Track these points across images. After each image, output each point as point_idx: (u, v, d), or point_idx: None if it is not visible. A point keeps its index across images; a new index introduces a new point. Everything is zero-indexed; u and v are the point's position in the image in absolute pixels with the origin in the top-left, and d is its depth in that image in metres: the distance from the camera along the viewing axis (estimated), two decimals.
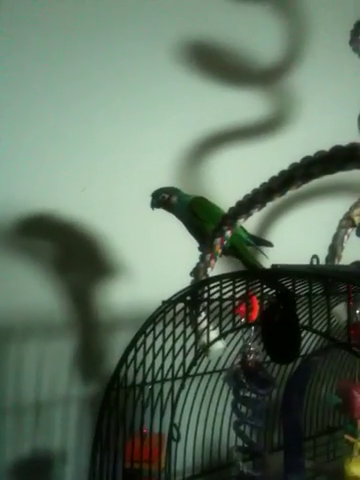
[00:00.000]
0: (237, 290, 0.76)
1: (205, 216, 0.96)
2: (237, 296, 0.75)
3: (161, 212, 1.04)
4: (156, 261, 1.17)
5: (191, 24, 1.28)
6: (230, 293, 0.78)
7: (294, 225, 1.29)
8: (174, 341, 0.81)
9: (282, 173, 0.64)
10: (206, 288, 0.76)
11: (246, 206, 0.71)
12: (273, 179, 0.66)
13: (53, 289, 1.12)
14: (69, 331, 1.12)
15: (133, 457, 0.84)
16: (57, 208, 1.12)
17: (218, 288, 0.76)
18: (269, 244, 0.99)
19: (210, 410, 1.02)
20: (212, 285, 0.75)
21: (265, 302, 0.67)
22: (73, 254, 1.15)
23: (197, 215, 0.97)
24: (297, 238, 1.23)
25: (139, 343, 0.83)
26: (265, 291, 0.69)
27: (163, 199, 1.01)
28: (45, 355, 1.08)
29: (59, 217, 1.12)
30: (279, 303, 0.60)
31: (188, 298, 0.79)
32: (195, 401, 0.97)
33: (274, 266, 0.70)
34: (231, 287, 0.74)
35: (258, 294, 0.70)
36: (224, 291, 0.79)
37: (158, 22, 1.25)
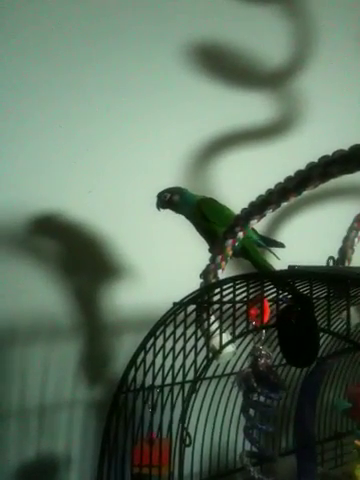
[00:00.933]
0: (250, 292, 0.75)
1: (213, 217, 0.95)
2: (250, 298, 0.74)
3: (168, 214, 1.03)
4: (163, 263, 1.16)
5: (198, 27, 1.28)
6: (242, 295, 0.77)
7: (303, 227, 1.28)
8: (185, 343, 0.79)
9: (299, 173, 0.63)
10: (219, 290, 0.75)
11: (259, 207, 0.70)
12: (289, 179, 0.65)
13: (59, 291, 1.11)
14: (75, 334, 1.11)
15: (142, 462, 0.83)
16: (63, 210, 1.12)
17: (231, 290, 0.74)
18: (280, 245, 0.98)
19: (218, 414, 1.00)
20: (225, 287, 0.74)
21: (281, 304, 0.65)
22: (79, 256, 1.15)
23: (205, 216, 0.96)
24: (305, 240, 1.21)
25: (149, 345, 0.82)
26: (281, 293, 0.68)
27: (165, 198, 1.01)
28: (50, 358, 1.08)
29: (65, 219, 1.12)
30: (296, 305, 0.59)
31: (200, 300, 0.77)
32: (204, 404, 0.96)
33: (291, 267, 0.69)
34: (244, 289, 0.73)
35: (271, 296, 0.69)
36: (236, 293, 0.77)
37: (164, 25, 1.25)
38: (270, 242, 1.00)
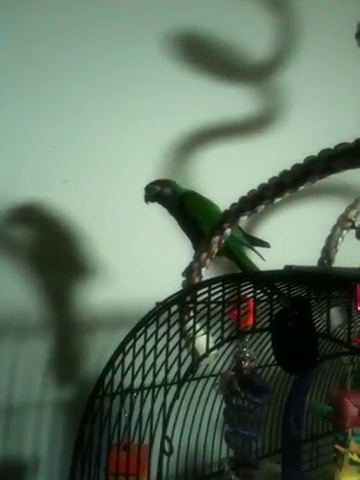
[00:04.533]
0: (233, 293, 0.72)
1: (197, 212, 0.91)
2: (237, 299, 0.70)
3: (149, 207, 0.99)
4: (143, 259, 1.14)
5: (182, 17, 1.25)
6: (226, 296, 0.73)
7: (284, 226, 1.26)
8: (167, 343, 0.75)
9: (297, 166, 0.59)
10: (206, 289, 0.71)
11: (251, 202, 0.67)
12: (285, 173, 0.61)
13: (29, 286, 1.08)
14: (45, 332, 1.08)
15: (118, 470, 0.78)
16: (36, 201, 1.08)
17: (219, 289, 0.71)
18: (265, 244, 0.94)
19: (197, 417, 0.98)
20: (213, 286, 0.70)
21: (276, 306, 0.62)
22: (52, 250, 1.11)
23: (188, 211, 0.91)
24: (284, 241, 1.20)
25: (128, 347, 0.78)
26: (275, 295, 0.64)
27: (155, 191, 0.95)
28: (19, 356, 1.05)
29: (38, 210, 1.08)
30: (293, 308, 0.56)
31: (189, 299, 0.73)
32: (182, 406, 0.92)
33: (288, 267, 0.66)
34: (233, 289, 0.69)
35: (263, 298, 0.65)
36: (217, 294, 0.74)
37: (147, 15, 1.22)
38: (254, 241, 0.95)
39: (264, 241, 0.95)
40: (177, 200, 0.93)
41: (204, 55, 1.28)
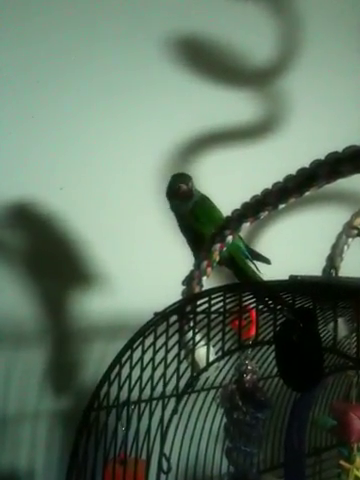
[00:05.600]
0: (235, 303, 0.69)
1: (204, 218, 0.87)
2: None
3: (147, 216, 0.98)
4: (141, 267, 1.12)
5: (182, 21, 1.24)
6: (227, 306, 0.70)
7: (287, 235, 1.25)
8: (165, 358, 0.72)
9: (302, 171, 0.57)
10: (206, 299, 0.68)
11: (254, 208, 0.64)
12: (289, 178, 0.58)
13: (24, 293, 1.05)
14: (41, 340, 1.06)
15: None
16: (32, 207, 1.06)
17: (220, 299, 0.68)
18: (266, 261, 0.91)
19: (196, 431, 0.95)
20: (214, 296, 0.67)
21: (279, 317, 0.59)
22: (48, 257, 1.09)
23: (196, 216, 0.87)
24: (288, 248, 1.18)
25: (125, 359, 0.75)
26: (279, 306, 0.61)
27: (191, 186, 0.87)
28: (14, 365, 1.02)
29: (34, 217, 1.06)
30: (297, 320, 0.53)
31: (190, 309, 0.70)
32: (181, 421, 0.89)
33: (293, 277, 0.63)
34: (235, 300, 0.67)
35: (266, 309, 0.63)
36: (218, 304, 0.71)
37: (147, 19, 1.20)
38: (255, 255, 0.92)
39: (265, 256, 0.92)
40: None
41: (205, 60, 1.27)
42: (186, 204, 0.88)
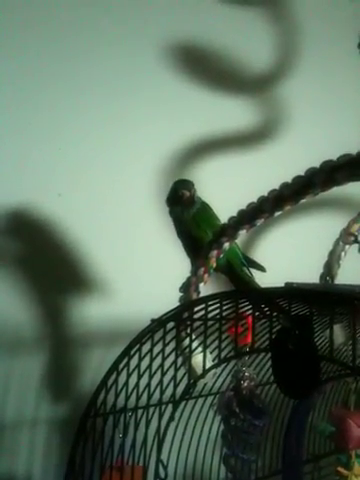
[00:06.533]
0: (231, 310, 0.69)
1: (205, 225, 0.87)
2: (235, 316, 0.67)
3: (145, 222, 0.98)
4: (137, 274, 1.12)
5: (181, 27, 1.24)
6: (224, 313, 0.70)
7: (283, 242, 1.25)
8: (163, 364, 0.72)
9: (298, 178, 0.57)
10: (203, 306, 0.68)
11: (250, 216, 0.64)
12: (285, 185, 0.58)
13: (23, 299, 1.05)
14: (39, 346, 1.06)
15: None
16: (30, 213, 1.06)
17: (217, 306, 0.68)
18: (261, 268, 0.91)
19: (194, 438, 0.94)
20: (211, 303, 0.67)
21: (275, 324, 0.59)
22: (46, 263, 1.09)
23: (198, 223, 0.87)
24: (285, 255, 1.18)
25: (122, 366, 0.75)
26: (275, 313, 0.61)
27: (193, 192, 0.88)
28: (12, 372, 1.02)
29: (33, 223, 1.06)
30: (294, 327, 0.53)
31: (186, 316, 0.70)
32: (178, 427, 0.89)
33: (289, 284, 0.63)
34: (231, 306, 0.67)
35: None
36: (215, 311, 0.71)
37: (146, 24, 1.21)
38: (250, 263, 0.92)
39: (260, 264, 0.92)
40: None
41: (204, 65, 1.27)
42: (188, 210, 0.88)
